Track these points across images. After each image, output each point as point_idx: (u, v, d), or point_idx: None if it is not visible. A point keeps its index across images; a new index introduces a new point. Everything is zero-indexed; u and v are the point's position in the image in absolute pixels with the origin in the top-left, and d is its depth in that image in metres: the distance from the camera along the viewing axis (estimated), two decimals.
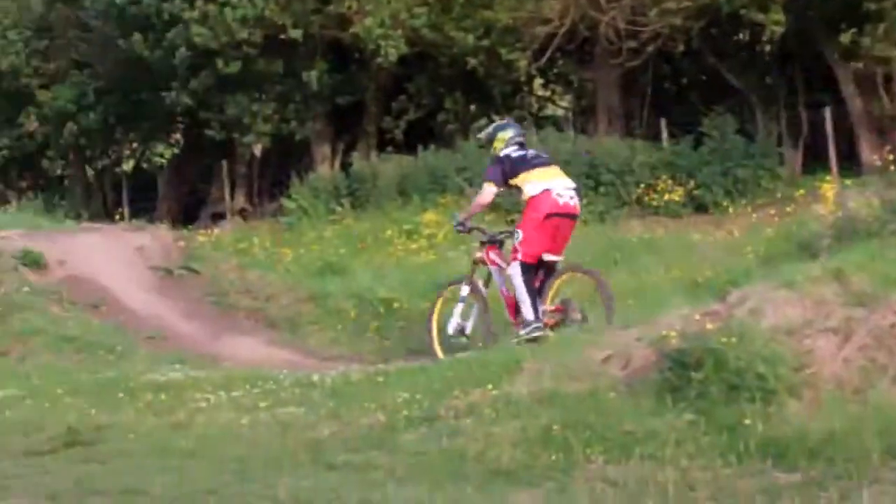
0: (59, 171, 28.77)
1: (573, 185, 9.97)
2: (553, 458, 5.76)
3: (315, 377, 8.64)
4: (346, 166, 23.61)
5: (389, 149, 23.68)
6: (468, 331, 10.07)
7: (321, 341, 12.65)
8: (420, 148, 21.75)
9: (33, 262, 13.19)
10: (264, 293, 13.73)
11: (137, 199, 26.41)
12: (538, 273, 9.68)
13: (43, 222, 16.99)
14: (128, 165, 29.87)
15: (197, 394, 8.41)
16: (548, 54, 21.90)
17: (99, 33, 23.29)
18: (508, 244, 9.99)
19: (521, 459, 5.82)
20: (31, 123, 25.94)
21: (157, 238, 14.70)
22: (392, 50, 21.46)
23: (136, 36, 21.84)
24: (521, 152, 9.99)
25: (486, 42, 21.33)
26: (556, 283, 9.68)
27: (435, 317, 10.37)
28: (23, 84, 24.52)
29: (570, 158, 17.66)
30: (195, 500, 5.66)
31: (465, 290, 10.22)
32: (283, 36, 22.31)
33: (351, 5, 21.66)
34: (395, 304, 13.10)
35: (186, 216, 25.50)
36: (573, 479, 5.47)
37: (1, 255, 13.17)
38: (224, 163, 25.19)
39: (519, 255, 9.56)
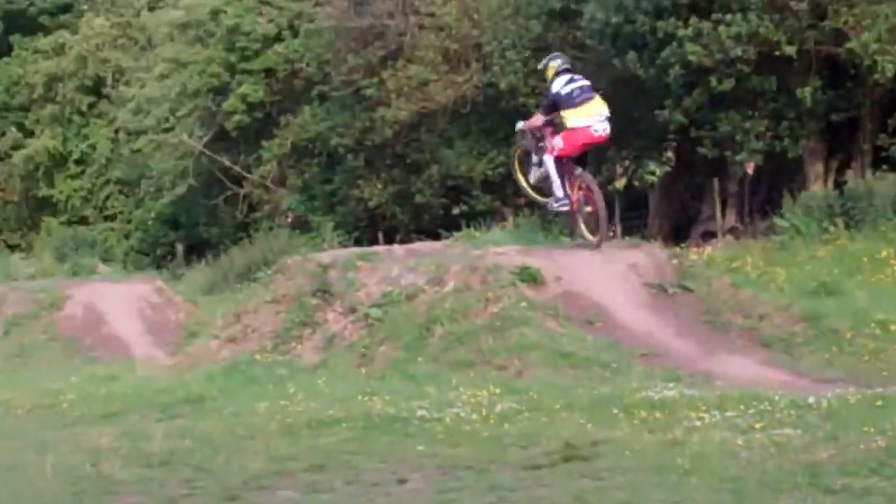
0: None
1: (607, 113, 13.44)
2: None
3: (811, 399, 8.52)
4: (839, 184, 22.98)
5: (885, 167, 22.75)
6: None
7: (815, 362, 12.28)
8: None
9: (530, 277, 13.51)
10: (757, 312, 13.57)
11: (629, 216, 27.05)
12: (567, 165, 13.66)
13: (539, 239, 17.56)
14: (620, 183, 30.68)
15: (691, 412, 8.53)
16: None
17: (594, 52, 24.12)
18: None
19: None
20: None
21: (650, 255, 14.84)
22: (889, 66, 20.82)
23: (631, 54, 22.46)
24: (569, 88, 13.34)
25: None
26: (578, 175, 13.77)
27: None
28: (520, 103, 25.92)
29: None
30: None
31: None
32: (776, 52, 22.11)
33: (847, 20, 21.10)
34: (893, 327, 12.56)
35: (677, 234, 25.78)
36: None
37: (499, 270, 13.59)
38: (715, 181, 25.23)
39: (554, 152, 13.54)
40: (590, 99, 13.42)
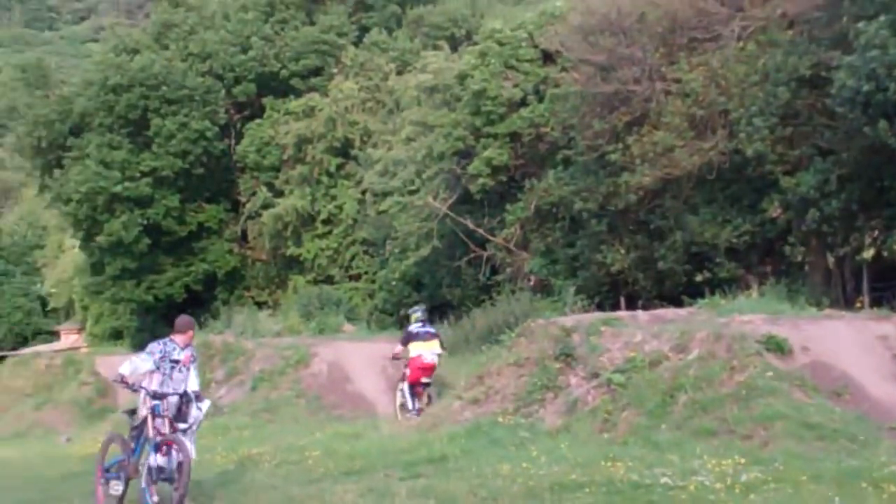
0: (799, 258, 29.65)
1: (438, 350, 20.62)
2: None
3: None
4: None
5: None
6: None
7: None
8: None
9: (777, 347, 13.64)
10: None
11: (878, 287, 26.41)
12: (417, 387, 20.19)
13: (785, 308, 17.46)
14: (868, 253, 29.97)
15: None
16: None
17: (844, 120, 23.91)
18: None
19: None
20: (774, 209, 27.04)
21: None
22: None
23: (882, 123, 22.16)
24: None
25: None
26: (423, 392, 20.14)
27: None
28: (767, 170, 25.83)
29: None
30: None
31: None
32: None
33: None
34: None
35: None
36: None
37: (744, 339, 13.76)
38: None
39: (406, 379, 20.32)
40: (429, 337, 20.63)
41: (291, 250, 48.16)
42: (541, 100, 33.16)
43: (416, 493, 11.25)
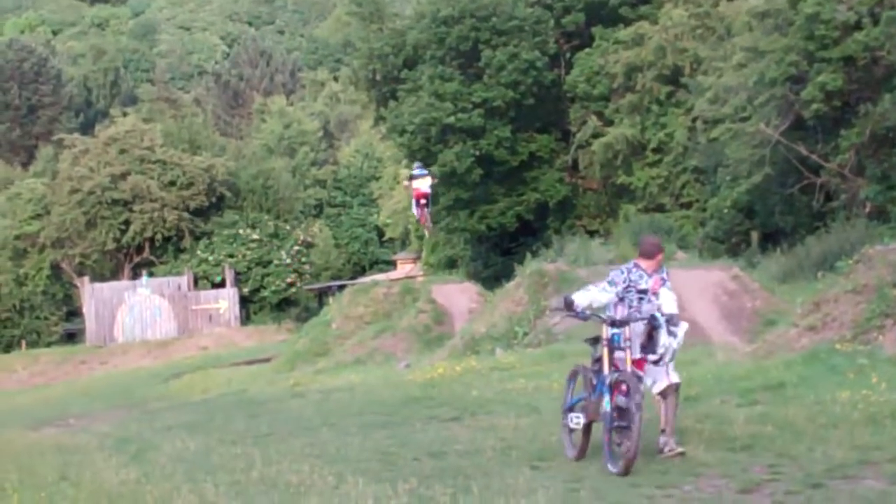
0: None
1: None
2: None
3: None
4: None
5: None
6: None
7: None
8: None
9: None
10: None
11: None
12: None
13: None
14: None
15: None
16: None
17: None
18: None
19: None
20: None
21: None
22: None
23: None
24: None
25: None
26: None
27: None
28: None
29: None
30: None
31: None
32: None
33: None
34: None
35: None
36: None
37: None
38: None
39: None
40: None
41: (622, 179, 49.73)
42: (876, 23, 33.30)
43: (754, 420, 11.45)
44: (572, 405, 11.03)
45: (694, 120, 45.46)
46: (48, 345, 71.27)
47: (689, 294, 23.56)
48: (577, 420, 10.71)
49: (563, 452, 11.07)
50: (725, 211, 41.70)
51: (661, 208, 48.21)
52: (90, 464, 13.36)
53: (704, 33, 47.05)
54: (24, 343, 71.75)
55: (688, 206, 47.94)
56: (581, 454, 10.81)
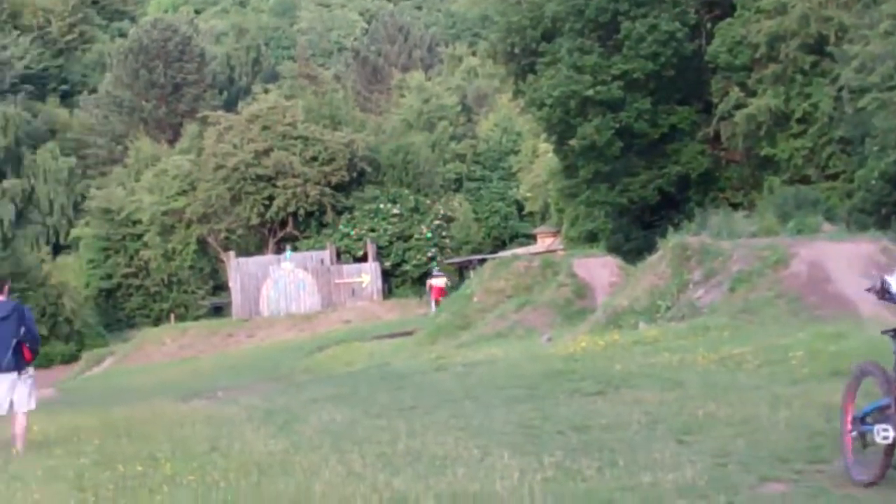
0: None
1: None
2: None
3: None
4: None
5: None
6: None
7: None
8: None
9: None
10: None
11: None
12: None
13: None
14: None
15: None
16: None
17: None
18: None
19: None
20: None
21: None
22: None
23: None
24: None
25: None
26: None
27: None
28: None
29: None
30: None
31: None
32: None
33: None
34: None
35: None
36: None
37: None
38: None
39: None
40: None
41: (765, 150, 48.94)
42: None
43: None
44: (864, 415, 8.69)
45: (840, 89, 44.52)
46: (196, 318, 73.35)
47: (837, 267, 23.58)
48: (887, 433, 8.22)
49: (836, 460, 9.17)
50: (873, 182, 40.89)
51: (806, 180, 47.44)
52: (239, 435, 13.73)
53: (849, 1, 45.98)
54: (172, 316, 73.90)
55: (834, 177, 47.06)
56: (881, 476, 8.36)
